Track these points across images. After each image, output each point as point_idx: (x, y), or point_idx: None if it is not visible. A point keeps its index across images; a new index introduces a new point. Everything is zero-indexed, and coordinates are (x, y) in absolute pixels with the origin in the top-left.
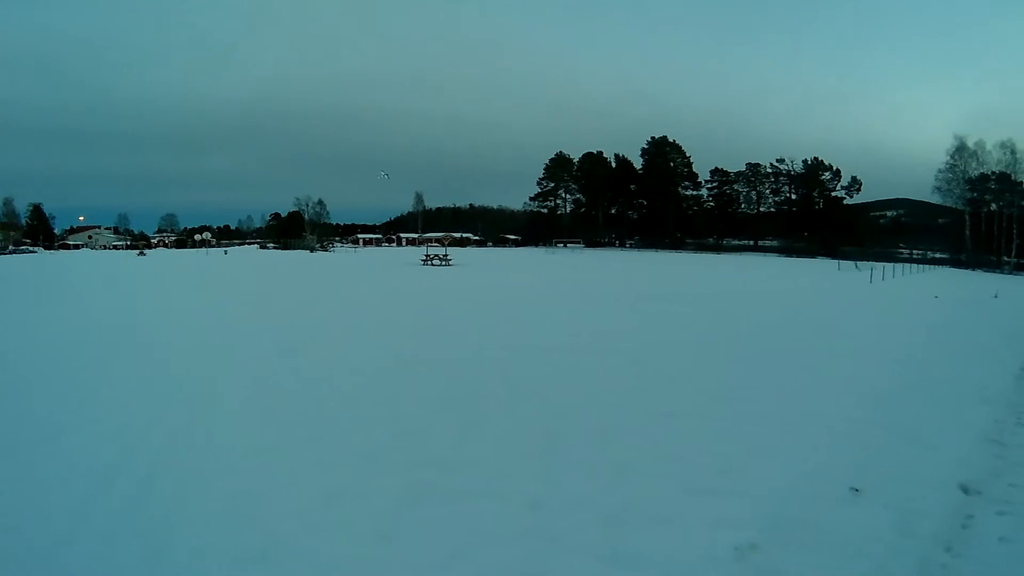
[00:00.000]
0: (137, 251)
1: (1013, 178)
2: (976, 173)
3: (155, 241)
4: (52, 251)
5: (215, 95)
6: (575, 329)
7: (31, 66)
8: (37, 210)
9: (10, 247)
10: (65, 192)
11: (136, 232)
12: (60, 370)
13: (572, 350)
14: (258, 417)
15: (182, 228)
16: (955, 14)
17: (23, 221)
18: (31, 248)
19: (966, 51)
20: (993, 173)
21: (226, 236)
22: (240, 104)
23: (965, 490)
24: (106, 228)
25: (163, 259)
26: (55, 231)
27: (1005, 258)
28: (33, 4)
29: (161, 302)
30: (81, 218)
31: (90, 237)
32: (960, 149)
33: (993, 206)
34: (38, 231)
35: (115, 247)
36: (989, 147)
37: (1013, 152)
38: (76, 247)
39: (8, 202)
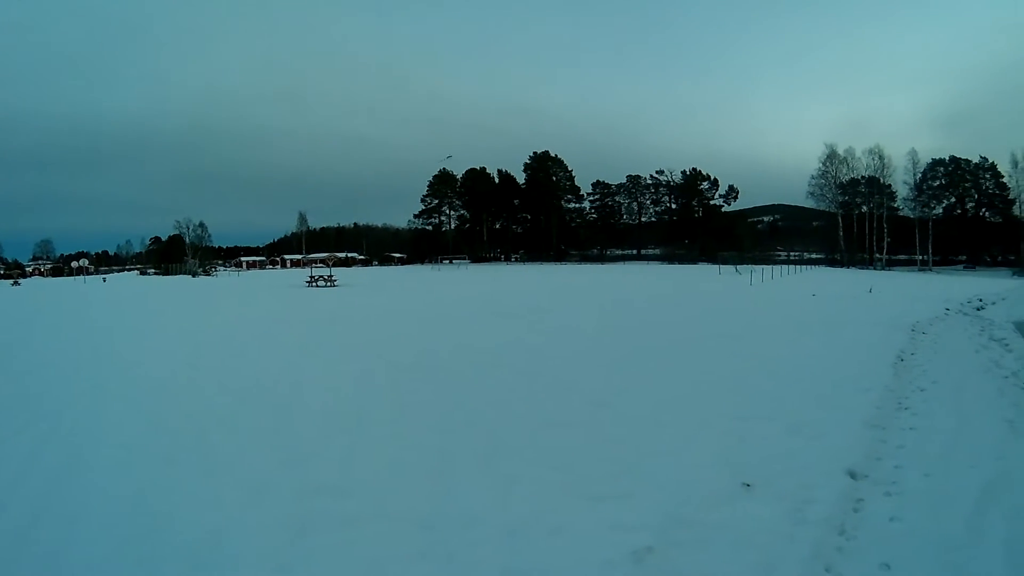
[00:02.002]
0: (11, 281)
1: (881, 181)
2: (847, 178)
3: (30, 269)
4: None
5: (90, 114)
6: (459, 343)
7: None
8: None
9: None
10: None
11: (10, 260)
12: None
13: (457, 365)
14: (134, 451)
15: (58, 255)
16: (823, 31)
17: None
18: None
19: (835, 66)
20: (863, 177)
21: (105, 262)
22: (116, 123)
23: (853, 475)
24: None
25: (37, 289)
26: None
27: (877, 255)
28: None
29: (30, 334)
30: None
31: None
32: (831, 156)
33: (864, 208)
34: None
35: None
36: (858, 153)
37: (881, 157)
38: None
39: None
